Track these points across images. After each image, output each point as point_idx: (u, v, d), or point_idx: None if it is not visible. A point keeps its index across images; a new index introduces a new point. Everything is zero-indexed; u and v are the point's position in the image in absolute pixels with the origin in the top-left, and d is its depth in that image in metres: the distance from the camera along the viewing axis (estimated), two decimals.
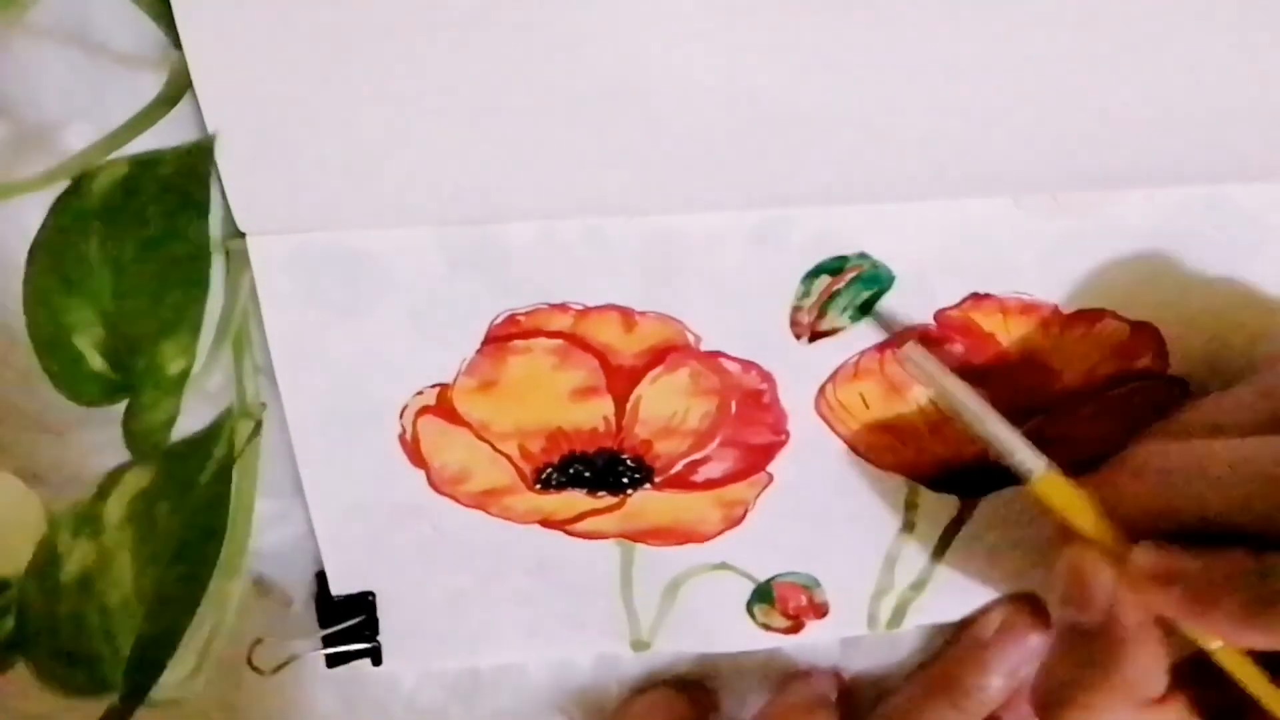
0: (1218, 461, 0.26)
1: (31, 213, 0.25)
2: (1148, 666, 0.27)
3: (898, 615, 0.36)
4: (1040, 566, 0.35)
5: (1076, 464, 0.33)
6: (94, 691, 0.25)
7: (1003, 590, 0.36)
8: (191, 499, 0.25)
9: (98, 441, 0.30)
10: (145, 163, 0.24)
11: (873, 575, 0.35)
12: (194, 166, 0.24)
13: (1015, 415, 0.31)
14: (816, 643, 0.37)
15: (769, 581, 0.34)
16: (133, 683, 0.25)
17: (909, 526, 0.34)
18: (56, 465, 0.30)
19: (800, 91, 0.25)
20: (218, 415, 0.27)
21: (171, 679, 0.26)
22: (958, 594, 0.35)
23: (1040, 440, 0.31)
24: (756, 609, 0.35)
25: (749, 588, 0.34)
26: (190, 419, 0.25)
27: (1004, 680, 0.35)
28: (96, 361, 0.25)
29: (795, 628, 0.36)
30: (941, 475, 0.33)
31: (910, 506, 0.33)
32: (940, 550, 0.34)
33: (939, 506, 0.33)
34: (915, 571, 0.35)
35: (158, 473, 0.25)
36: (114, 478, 0.25)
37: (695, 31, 0.25)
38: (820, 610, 0.35)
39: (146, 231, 0.24)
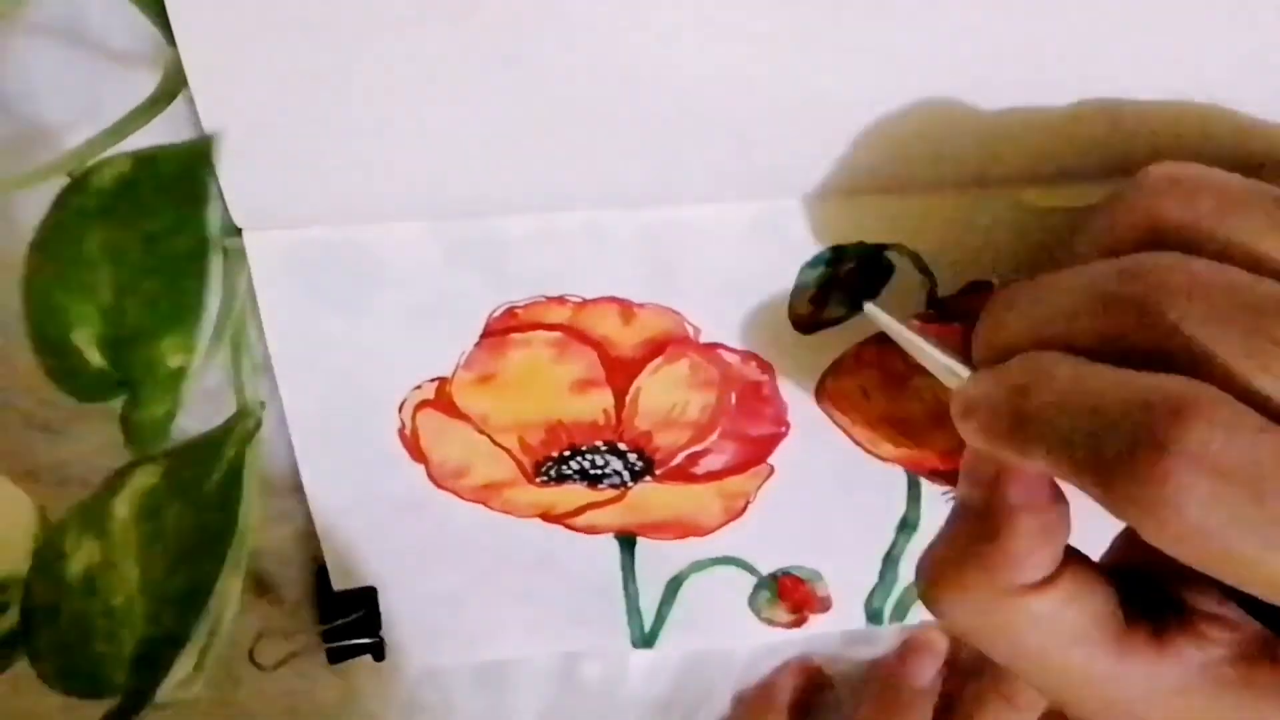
0: (1059, 287, 0.23)
1: (27, 209, 0.25)
2: (1028, 546, 0.23)
3: (900, 609, 0.36)
4: None
5: None
6: (96, 693, 0.25)
7: None
8: (201, 499, 0.25)
9: (96, 439, 0.30)
10: (146, 159, 0.24)
11: (875, 569, 0.35)
12: (195, 163, 0.24)
13: None
14: (821, 635, 0.37)
15: (771, 575, 0.34)
16: (135, 685, 0.25)
17: (912, 520, 0.34)
18: (54, 463, 0.30)
19: (798, 82, 0.25)
20: (228, 415, 0.27)
21: (171, 681, 0.26)
22: None
23: None
24: (759, 603, 0.35)
25: (751, 582, 0.34)
26: (190, 418, 0.25)
27: None
28: (95, 357, 0.25)
29: (798, 622, 0.36)
30: (943, 469, 0.32)
31: (912, 500, 0.33)
32: None
33: (941, 501, 0.33)
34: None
35: (167, 472, 0.25)
36: (122, 476, 0.25)
37: (692, 22, 0.24)
38: (823, 604, 0.35)
39: (147, 227, 0.24)
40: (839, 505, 0.33)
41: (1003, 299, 0.25)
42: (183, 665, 0.26)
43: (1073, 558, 0.24)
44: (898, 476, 0.33)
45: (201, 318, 0.24)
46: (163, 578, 0.25)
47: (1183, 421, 0.19)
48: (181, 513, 0.25)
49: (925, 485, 0.33)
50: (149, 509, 0.25)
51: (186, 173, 0.24)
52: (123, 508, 0.25)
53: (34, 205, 0.24)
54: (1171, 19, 0.25)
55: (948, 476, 0.33)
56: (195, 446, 0.26)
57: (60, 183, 0.24)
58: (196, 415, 0.25)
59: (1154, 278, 0.21)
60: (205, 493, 0.25)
